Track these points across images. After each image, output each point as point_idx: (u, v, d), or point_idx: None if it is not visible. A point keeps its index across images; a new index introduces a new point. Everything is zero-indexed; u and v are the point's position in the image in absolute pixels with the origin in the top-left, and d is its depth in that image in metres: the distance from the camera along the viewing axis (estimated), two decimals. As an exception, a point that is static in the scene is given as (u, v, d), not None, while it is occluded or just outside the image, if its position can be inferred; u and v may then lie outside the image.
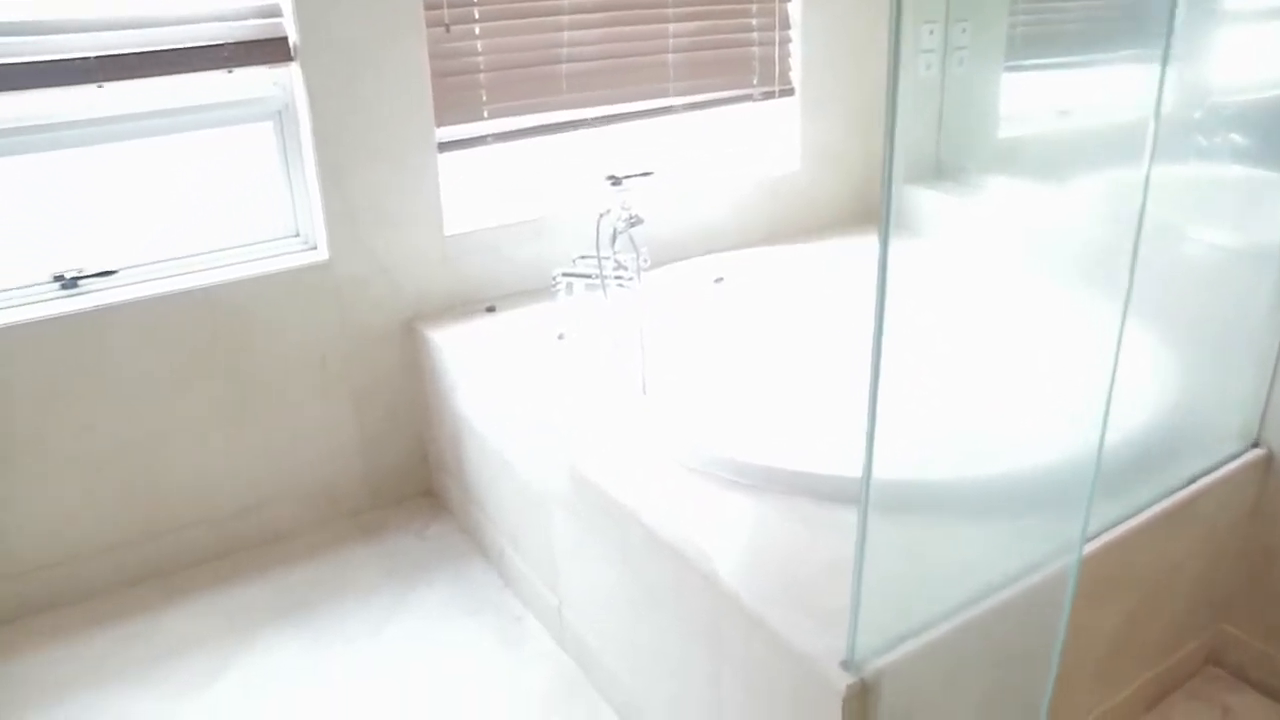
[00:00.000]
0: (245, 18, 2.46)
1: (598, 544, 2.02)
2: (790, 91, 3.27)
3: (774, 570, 1.66)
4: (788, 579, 1.63)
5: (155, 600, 2.58)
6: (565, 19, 2.82)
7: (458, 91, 2.72)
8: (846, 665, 1.44)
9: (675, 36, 3.01)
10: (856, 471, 1.78)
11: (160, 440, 2.58)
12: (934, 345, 2.36)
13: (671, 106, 3.08)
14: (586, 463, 1.99)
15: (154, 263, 2.56)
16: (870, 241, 3.19)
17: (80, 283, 2.49)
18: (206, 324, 2.54)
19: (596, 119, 2.97)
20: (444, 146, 2.73)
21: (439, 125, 2.69)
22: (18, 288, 2.44)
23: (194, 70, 2.43)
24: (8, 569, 2.51)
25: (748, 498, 1.85)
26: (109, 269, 2.51)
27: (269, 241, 2.67)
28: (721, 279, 2.92)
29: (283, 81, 2.56)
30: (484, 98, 2.78)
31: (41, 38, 2.27)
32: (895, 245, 1.21)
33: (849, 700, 1.41)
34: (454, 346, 2.57)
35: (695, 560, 1.70)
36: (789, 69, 3.25)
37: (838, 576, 1.61)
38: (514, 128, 2.85)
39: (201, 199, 2.61)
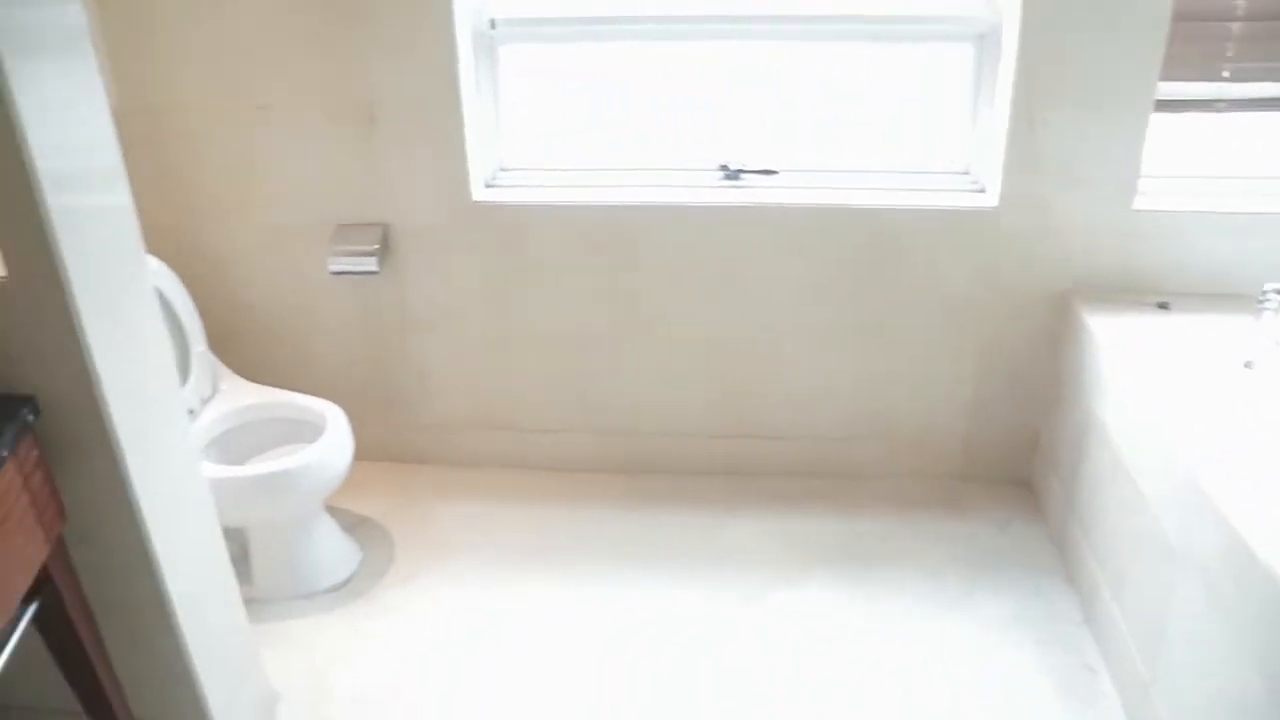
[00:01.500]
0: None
1: (1235, 636, 1.61)
2: None
3: None
4: None
5: (727, 498, 2.63)
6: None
7: (1198, 41, 2.26)
8: None
9: None
10: None
11: (771, 345, 2.58)
12: None
13: None
14: (1252, 537, 1.57)
15: (814, 171, 2.51)
16: None
17: (742, 176, 2.52)
18: (852, 245, 2.45)
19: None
20: (1161, 105, 2.30)
21: (1163, 79, 2.26)
22: (688, 169, 2.54)
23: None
24: (596, 425, 2.71)
25: None
26: (770, 169, 2.51)
27: (935, 174, 2.50)
28: None
29: (996, 1, 2.30)
30: (1229, 52, 2.29)
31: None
32: None
33: None
34: (1111, 338, 2.20)
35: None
36: None
37: None
38: (1261, 95, 2.33)
39: (875, 116, 2.49)
